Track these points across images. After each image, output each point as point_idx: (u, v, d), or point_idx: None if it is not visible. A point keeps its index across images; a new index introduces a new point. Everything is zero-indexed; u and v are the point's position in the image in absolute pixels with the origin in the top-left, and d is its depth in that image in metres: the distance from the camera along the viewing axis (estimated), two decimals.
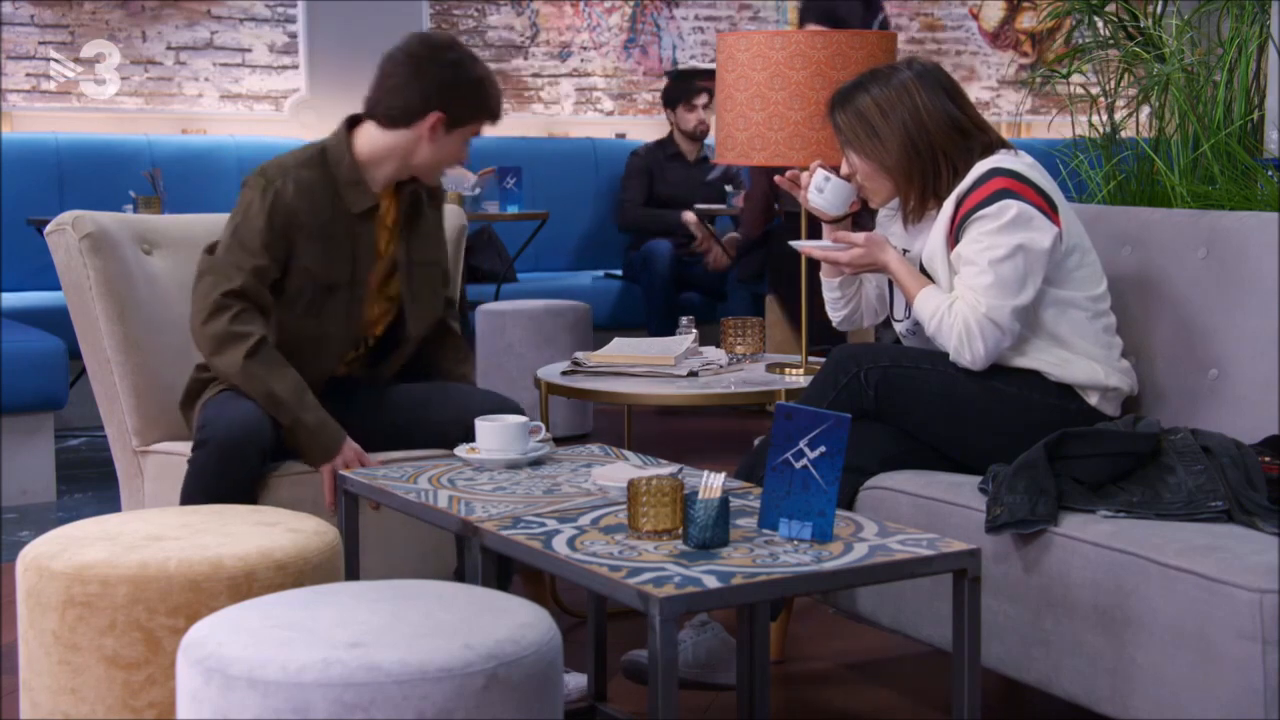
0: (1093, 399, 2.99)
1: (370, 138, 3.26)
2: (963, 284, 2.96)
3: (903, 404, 2.97)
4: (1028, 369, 2.98)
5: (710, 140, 7.10)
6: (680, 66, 7.91)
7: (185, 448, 3.34)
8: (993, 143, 3.05)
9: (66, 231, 3.36)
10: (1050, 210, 2.95)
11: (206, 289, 3.19)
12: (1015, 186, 2.94)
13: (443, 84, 3.22)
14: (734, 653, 3.05)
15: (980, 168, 2.99)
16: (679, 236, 6.95)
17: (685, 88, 7.02)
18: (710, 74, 7.03)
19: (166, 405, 3.38)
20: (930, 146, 3.02)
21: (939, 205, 3.04)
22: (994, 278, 2.91)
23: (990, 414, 2.95)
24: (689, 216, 6.86)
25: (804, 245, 3.24)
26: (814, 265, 3.36)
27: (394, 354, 3.43)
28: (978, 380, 2.96)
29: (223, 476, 3.03)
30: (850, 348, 3.03)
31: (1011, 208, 2.91)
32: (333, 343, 3.31)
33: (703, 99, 7.02)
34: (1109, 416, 2.98)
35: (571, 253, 7.42)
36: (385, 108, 3.25)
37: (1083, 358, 2.99)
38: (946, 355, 3.00)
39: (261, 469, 3.12)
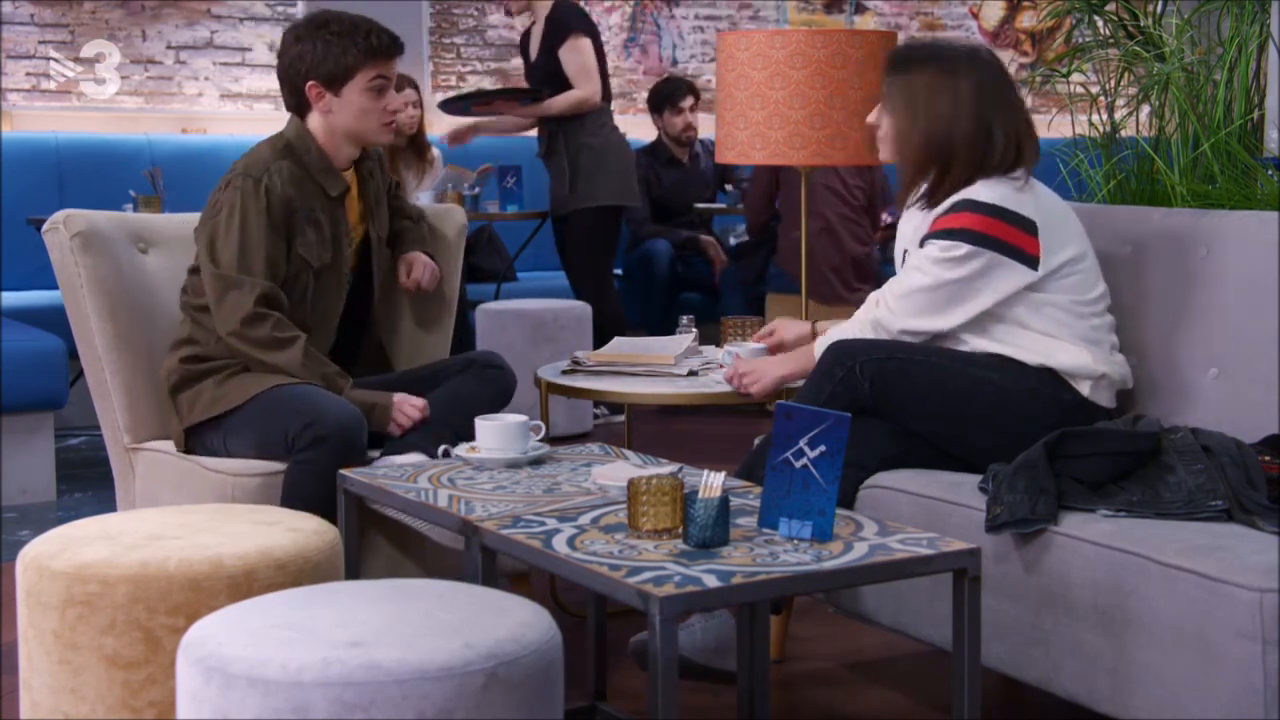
0: (1084, 388, 2.99)
1: (314, 126, 3.38)
2: (884, 290, 3.09)
3: (898, 397, 2.97)
4: (1019, 361, 2.99)
5: (707, 136, 7.10)
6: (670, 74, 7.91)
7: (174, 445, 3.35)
8: (1015, 157, 3.04)
9: (59, 230, 3.36)
10: (1027, 237, 2.96)
11: (234, 304, 3.21)
12: (982, 224, 2.96)
13: (295, 58, 3.34)
14: None
15: (958, 196, 3.01)
16: (688, 251, 6.98)
17: (670, 92, 7.02)
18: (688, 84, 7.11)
19: (158, 403, 3.38)
20: (950, 150, 3.03)
21: (947, 191, 3.05)
22: (906, 292, 3.03)
23: (985, 407, 2.95)
24: (706, 239, 6.93)
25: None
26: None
27: (362, 337, 3.52)
28: (972, 373, 2.97)
29: (343, 466, 3.00)
30: (847, 342, 3.04)
31: (962, 253, 2.95)
32: (322, 328, 3.38)
33: (689, 101, 7.03)
34: (1104, 407, 2.99)
35: None
36: (287, 106, 3.40)
37: (1067, 344, 3.00)
38: (944, 349, 3.02)
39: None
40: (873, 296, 3.16)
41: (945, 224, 3.00)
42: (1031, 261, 2.96)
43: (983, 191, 3.00)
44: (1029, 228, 2.97)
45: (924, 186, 3.08)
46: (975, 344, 3.03)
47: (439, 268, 3.66)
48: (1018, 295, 2.99)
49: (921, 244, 3.04)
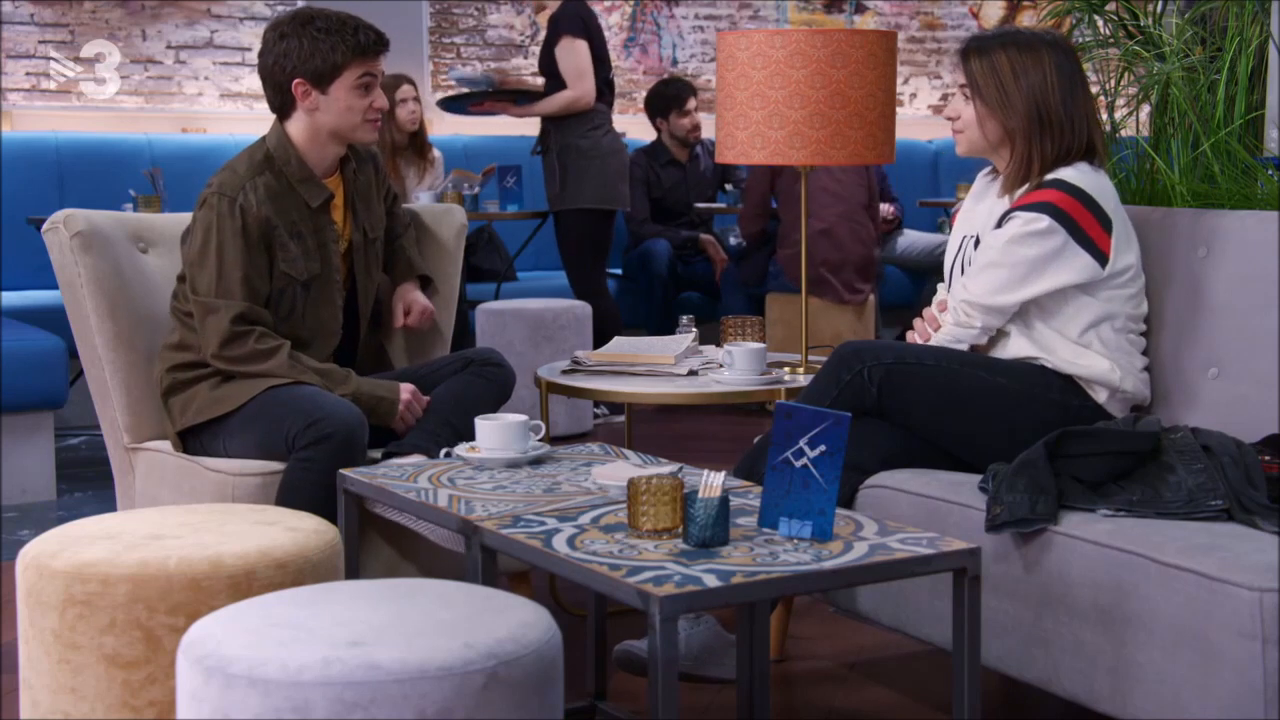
0: (1101, 395, 2.99)
1: (295, 129, 3.35)
2: (960, 279, 3.06)
3: (906, 401, 2.97)
4: (1037, 364, 2.99)
5: (707, 136, 7.10)
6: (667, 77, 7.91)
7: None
8: (1087, 146, 3.05)
9: (59, 229, 3.36)
10: (1103, 232, 2.96)
11: (213, 328, 3.22)
12: (1067, 204, 2.95)
13: (280, 55, 3.31)
14: (728, 646, 3.06)
15: (1046, 176, 3.02)
16: (688, 251, 6.98)
17: (676, 94, 7.02)
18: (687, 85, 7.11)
19: (157, 402, 3.38)
20: (1049, 120, 3.03)
21: (1035, 177, 3.05)
22: (981, 267, 3.01)
23: (994, 410, 2.95)
24: (707, 239, 6.93)
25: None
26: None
27: (361, 338, 3.50)
28: (982, 376, 2.97)
29: (344, 466, 2.99)
30: (854, 344, 3.03)
31: (1044, 226, 2.94)
32: (321, 337, 3.37)
33: (693, 103, 7.03)
34: (1113, 418, 2.98)
35: None
36: (271, 106, 3.38)
37: (1096, 354, 2.99)
38: (950, 351, 3.01)
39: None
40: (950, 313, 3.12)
41: (1031, 198, 2.99)
42: (1101, 258, 2.97)
43: (1072, 174, 3.00)
44: (1106, 224, 2.98)
45: (1025, 161, 3.06)
46: (1015, 340, 3.02)
47: (438, 267, 3.67)
48: (1071, 294, 2.99)
49: (1000, 223, 3.03)
